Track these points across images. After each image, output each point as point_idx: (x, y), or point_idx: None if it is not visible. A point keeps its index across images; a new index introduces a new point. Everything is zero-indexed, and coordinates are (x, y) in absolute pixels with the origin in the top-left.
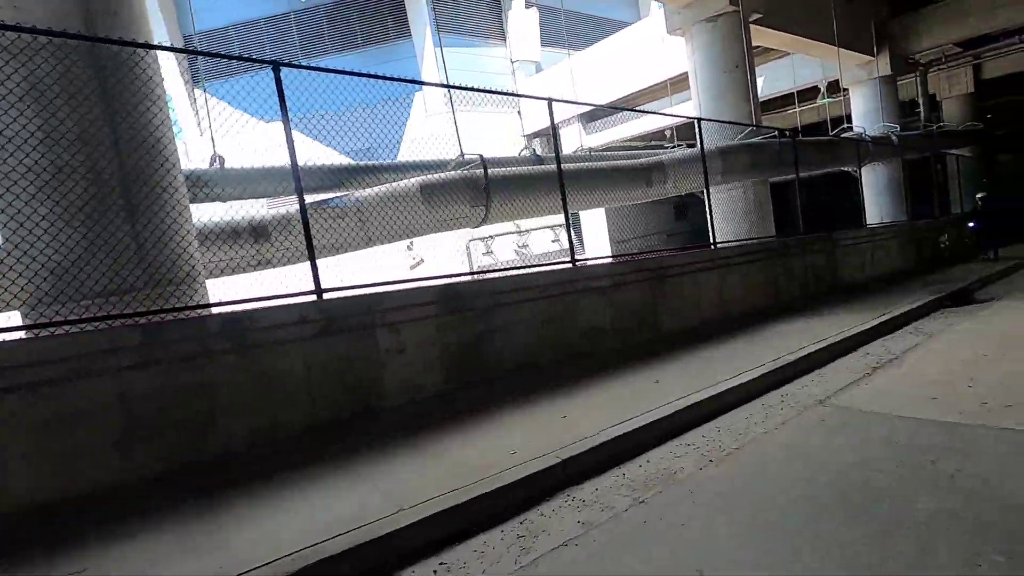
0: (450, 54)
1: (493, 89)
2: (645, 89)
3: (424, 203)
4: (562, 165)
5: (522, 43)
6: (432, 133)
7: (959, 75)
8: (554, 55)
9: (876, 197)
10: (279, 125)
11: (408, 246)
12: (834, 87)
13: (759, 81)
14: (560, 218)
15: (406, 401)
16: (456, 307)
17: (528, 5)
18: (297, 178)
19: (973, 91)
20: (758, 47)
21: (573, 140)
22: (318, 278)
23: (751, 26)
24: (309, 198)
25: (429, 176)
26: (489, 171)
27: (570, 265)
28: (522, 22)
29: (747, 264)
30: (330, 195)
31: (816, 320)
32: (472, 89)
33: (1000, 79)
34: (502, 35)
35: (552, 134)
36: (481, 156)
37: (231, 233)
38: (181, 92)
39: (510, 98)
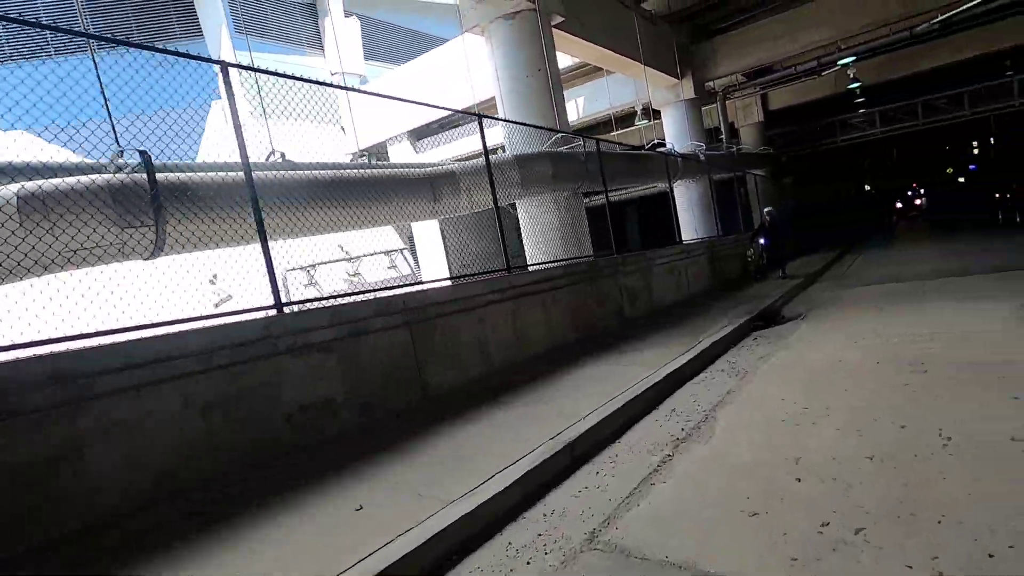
0: (256, 60)
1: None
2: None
3: (23, 225)
4: (321, 173)
5: (343, 54)
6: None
7: (751, 105)
8: (383, 69)
9: (690, 214)
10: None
11: (211, 279)
12: (650, 114)
13: (579, 101)
14: (397, 241)
15: None
16: None
17: (348, 14)
18: None
19: (763, 120)
20: (582, 66)
21: (404, 159)
22: None
23: (555, 31)
24: None
25: (36, 183)
26: (165, 176)
27: (274, 312)
28: (342, 32)
29: (552, 291)
30: None
31: (624, 359)
32: (173, 54)
33: (782, 110)
34: (320, 44)
35: (233, 118)
36: (143, 152)
37: None
38: None
39: (335, 112)
